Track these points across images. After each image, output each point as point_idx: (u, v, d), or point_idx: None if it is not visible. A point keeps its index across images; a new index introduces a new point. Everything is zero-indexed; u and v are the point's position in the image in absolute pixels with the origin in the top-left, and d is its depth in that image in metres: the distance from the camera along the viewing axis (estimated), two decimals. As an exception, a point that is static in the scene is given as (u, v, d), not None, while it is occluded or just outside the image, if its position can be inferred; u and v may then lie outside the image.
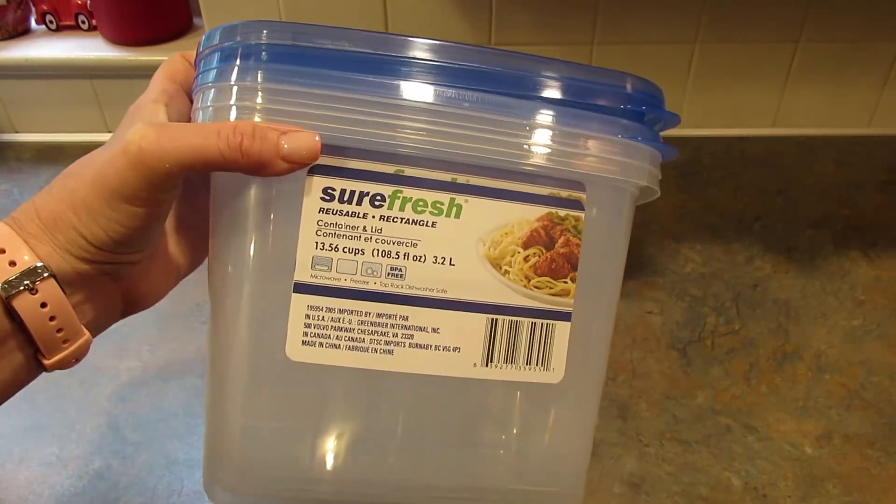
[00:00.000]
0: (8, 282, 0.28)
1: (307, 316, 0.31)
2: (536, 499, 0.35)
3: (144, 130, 0.28)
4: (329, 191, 0.30)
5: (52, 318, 0.29)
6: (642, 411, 0.52)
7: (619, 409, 0.52)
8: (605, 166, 0.32)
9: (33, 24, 0.86)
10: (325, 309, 0.31)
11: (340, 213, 0.31)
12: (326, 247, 0.31)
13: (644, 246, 0.67)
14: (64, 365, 0.30)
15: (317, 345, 0.31)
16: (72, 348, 0.30)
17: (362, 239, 0.31)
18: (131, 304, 0.33)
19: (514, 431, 0.34)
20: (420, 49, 0.30)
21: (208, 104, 0.30)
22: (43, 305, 0.28)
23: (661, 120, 0.34)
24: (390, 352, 0.32)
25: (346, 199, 0.30)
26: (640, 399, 0.53)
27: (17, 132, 0.86)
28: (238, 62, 0.29)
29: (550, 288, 0.33)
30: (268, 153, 0.28)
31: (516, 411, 0.34)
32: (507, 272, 0.32)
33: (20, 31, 0.84)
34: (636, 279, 0.64)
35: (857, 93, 0.81)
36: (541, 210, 0.32)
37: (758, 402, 0.53)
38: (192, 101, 0.33)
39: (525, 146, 0.31)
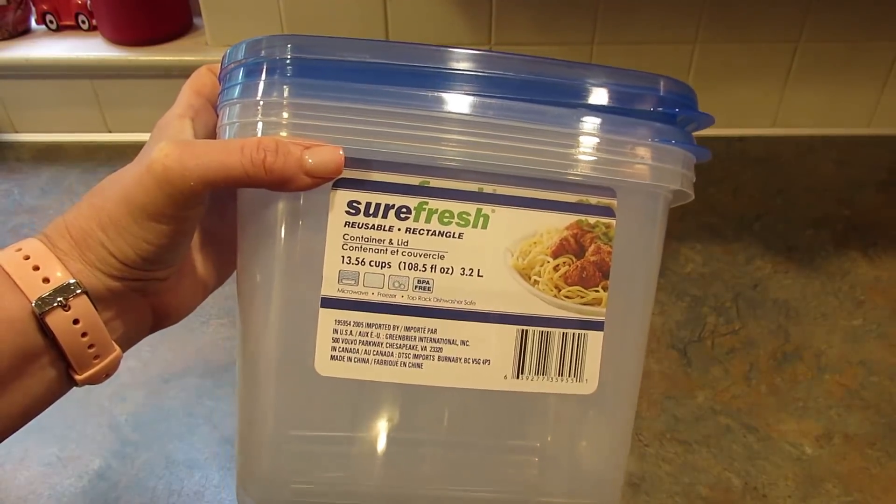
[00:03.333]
0: (42, 298, 0.28)
1: (335, 331, 0.31)
2: None
3: (168, 148, 0.28)
4: (354, 204, 0.30)
5: (83, 335, 0.29)
6: (642, 411, 0.52)
7: (619, 409, 0.52)
8: (637, 171, 0.31)
9: (33, 24, 0.86)
10: (352, 323, 0.31)
11: (366, 226, 0.30)
12: (353, 261, 0.30)
13: (644, 246, 0.67)
14: (95, 380, 0.31)
15: (345, 359, 0.31)
16: (103, 364, 0.30)
17: (389, 252, 0.30)
18: (161, 319, 0.33)
19: (549, 442, 0.34)
20: (444, 58, 0.30)
21: (234, 120, 0.30)
22: (75, 322, 0.29)
23: (694, 121, 0.33)
24: (419, 365, 0.31)
25: (371, 212, 0.30)
26: (640, 399, 0.53)
27: (17, 132, 0.86)
28: (263, 77, 0.29)
29: (582, 297, 0.32)
30: (291, 169, 0.28)
31: (550, 422, 0.34)
32: (536, 282, 0.31)
33: (20, 31, 0.84)
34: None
35: (857, 93, 0.82)
36: (570, 218, 0.31)
37: (758, 402, 0.53)
38: (218, 116, 0.33)
39: (553, 153, 0.30)
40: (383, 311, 0.31)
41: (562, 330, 0.32)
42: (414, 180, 0.30)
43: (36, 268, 0.28)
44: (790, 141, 0.82)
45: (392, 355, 0.31)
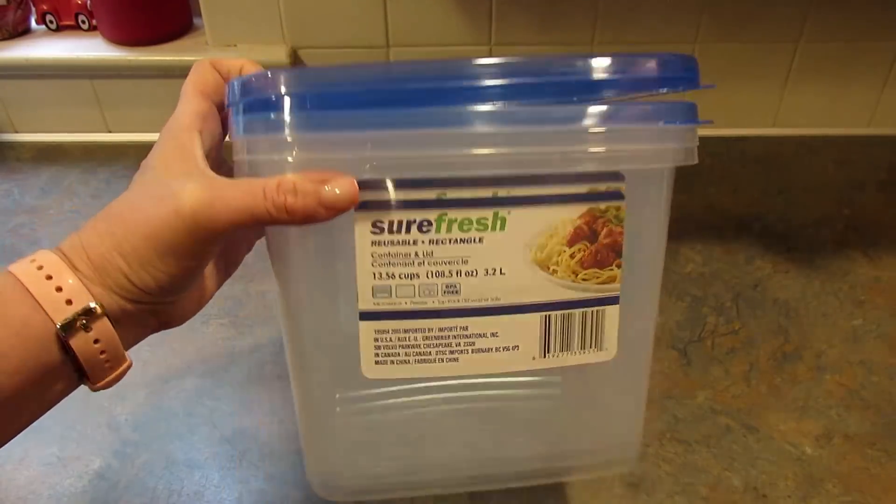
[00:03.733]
0: (67, 322, 0.29)
1: (376, 339, 0.33)
2: (604, 452, 0.40)
3: (198, 192, 0.29)
4: (378, 224, 0.31)
5: (102, 352, 0.30)
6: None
7: (619, 409, 0.52)
8: (644, 155, 0.32)
9: (33, 24, 0.86)
10: (391, 331, 0.33)
11: (392, 243, 0.32)
12: (384, 276, 0.32)
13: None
14: (106, 387, 0.32)
15: (388, 362, 0.33)
16: (115, 373, 0.32)
17: (415, 264, 0.32)
18: (163, 326, 0.35)
19: (574, 403, 0.38)
20: (441, 72, 0.30)
21: (249, 157, 0.31)
22: (96, 342, 0.30)
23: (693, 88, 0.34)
24: (456, 359, 0.34)
25: (395, 229, 0.31)
26: (640, 399, 0.53)
27: (17, 132, 0.86)
28: (272, 115, 0.30)
29: (598, 278, 0.34)
30: (311, 206, 0.29)
31: (575, 386, 0.37)
32: (555, 271, 0.33)
33: (20, 31, 0.84)
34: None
35: (857, 93, 0.82)
36: (582, 207, 0.33)
37: (758, 402, 0.53)
38: (223, 116, 0.34)
39: (562, 152, 0.31)
40: (417, 317, 0.33)
41: (581, 309, 0.34)
42: (431, 194, 0.31)
43: (59, 289, 0.29)
44: (790, 141, 0.82)
45: (430, 354, 0.33)
